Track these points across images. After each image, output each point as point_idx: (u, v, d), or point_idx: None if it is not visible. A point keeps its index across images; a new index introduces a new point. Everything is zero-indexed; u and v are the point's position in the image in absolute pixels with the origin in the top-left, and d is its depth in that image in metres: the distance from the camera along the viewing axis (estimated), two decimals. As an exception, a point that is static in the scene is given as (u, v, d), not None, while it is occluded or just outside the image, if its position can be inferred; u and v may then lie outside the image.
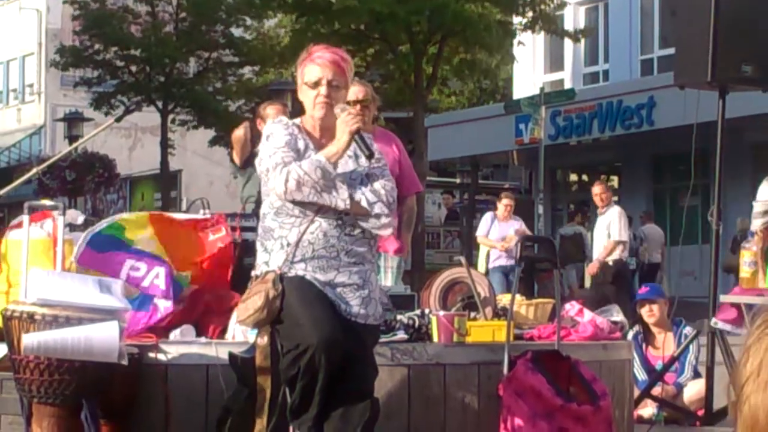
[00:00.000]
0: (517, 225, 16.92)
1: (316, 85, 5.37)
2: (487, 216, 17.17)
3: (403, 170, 7.69)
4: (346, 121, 5.30)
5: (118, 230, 6.75)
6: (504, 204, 17.04)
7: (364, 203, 5.29)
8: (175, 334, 6.52)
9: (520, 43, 26.64)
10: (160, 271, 6.53)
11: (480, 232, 16.98)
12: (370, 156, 5.33)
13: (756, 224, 7.96)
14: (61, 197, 27.61)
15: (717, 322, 7.58)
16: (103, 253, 6.59)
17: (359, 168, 5.42)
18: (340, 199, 5.26)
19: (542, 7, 25.53)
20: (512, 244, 16.28)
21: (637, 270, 21.89)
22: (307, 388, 5.14)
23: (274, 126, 5.46)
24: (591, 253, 17.47)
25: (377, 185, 5.38)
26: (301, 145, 5.38)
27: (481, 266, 16.49)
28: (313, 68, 5.39)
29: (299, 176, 5.21)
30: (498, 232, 16.57)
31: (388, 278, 7.76)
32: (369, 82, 8.33)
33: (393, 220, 5.41)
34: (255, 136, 8.21)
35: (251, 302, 5.25)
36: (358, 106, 7.27)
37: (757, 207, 7.92)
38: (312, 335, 5.09)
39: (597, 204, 15.92)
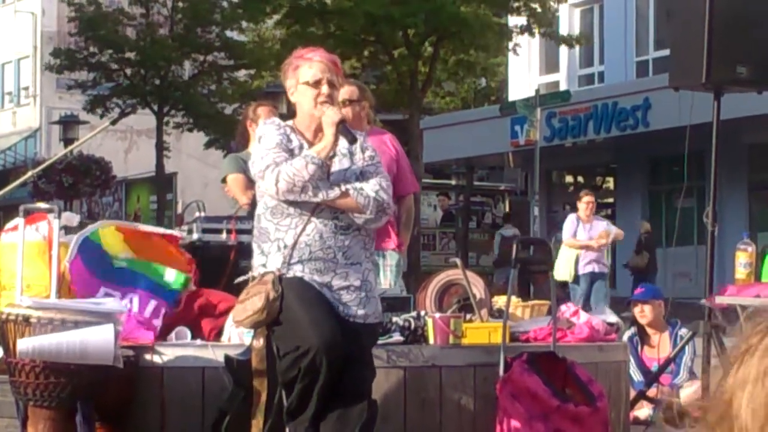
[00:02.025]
0: (604, 225, 15.41)
1: (317, 84, 5.38)
2: (571, 218, 15.45)
3: (400, 170, 7.70)
4: (329, 116, 5.34)
5: (99, 239, 6.76)
6: (585, 202, 15.22)
7: (360, 200, 5.31)
8: (170, 337, 6.51)
9: (516, 45, 26.66)
10: (134, 297, 6.53)
11: (566, 236, 15.26)
12: (352, 141, 5.36)
13: None
14: (56, 200, 27.59)
15: (707, 304, 7.55)
16: (89, 269, 6.59)
17: (354, 166, 5.44)
18: (332, 193, 5.27)
19: (536, 6, 25.52)
20: (609, 240, 15.15)
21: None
22: (305, 390, 5.14)
23: (266, 127, 5.49)
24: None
25: (372, 182, 5.39)
26: (294, 144, 5.40)
27: (567, 273, 15.11)
28: (312, 67, 5.41)
29: (290, 176, 5.23)
30: (584, 234, 15.07)
31: (387, 276, 7.74)
32: (364, 84, 8.33)
33: (386, 214, 5.42)
34: (245, 139, 8.16)
35: (250, 303, 5.24)
36: (358, 107, 7.31)
37: None
38: (313, 336, 5.09)
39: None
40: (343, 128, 5.35)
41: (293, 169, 5.24)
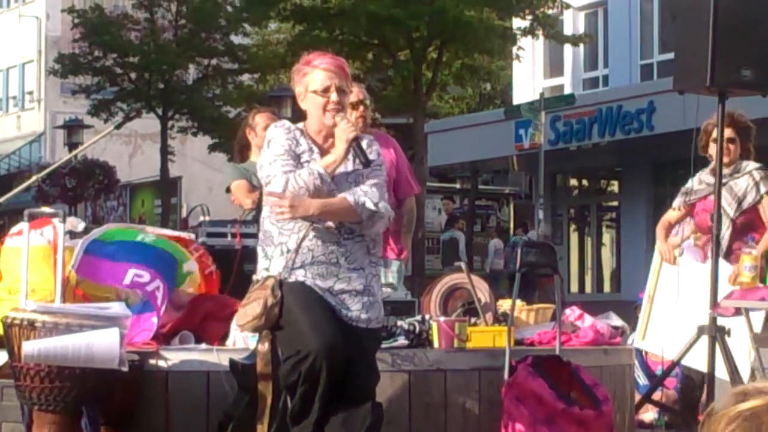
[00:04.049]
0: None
1: (325, 92, 5.37)
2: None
3: (400, 172, 7.71)
4: (343, 130, 5.32)
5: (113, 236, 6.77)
6: None
7: (351, 201, 5.30)
8: (174, 342, 6.50)
9: (520, 48, 26.68)
10: (160, 286, 6.53)
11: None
12: (366, 164, 5.35)
13: (677, 202, 8.19)
14: (61, 204, 27.60)
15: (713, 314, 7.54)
16: (102, 259, 6.58)
17: (357, 170, 5.43)
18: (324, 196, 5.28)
19: (541, 10, 25.53)
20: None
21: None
22: (307, 394, 5.13)
23: (276, 131, 5.46)
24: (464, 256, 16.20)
25: (365, 187, 5.37)
26: (303, 148, 5.39)
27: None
28: (320, 75, 5.39)
29: (295, 188, 5.22)
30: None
31: (389, 281, 7.74)
32: (368, 88, 8.35)
33: (380, 217, 5.38)
34: (244, 146, 8.12)
35: (250, 308, 5.25)
36: (361, 108, 7.30)
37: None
38: (313, 341, 5.09)
39: None
40: (357, 147, 5.33)
41: (300, 181, 5.24)
